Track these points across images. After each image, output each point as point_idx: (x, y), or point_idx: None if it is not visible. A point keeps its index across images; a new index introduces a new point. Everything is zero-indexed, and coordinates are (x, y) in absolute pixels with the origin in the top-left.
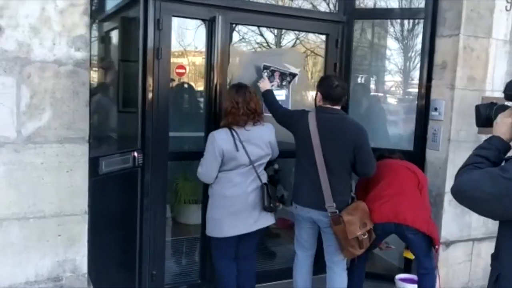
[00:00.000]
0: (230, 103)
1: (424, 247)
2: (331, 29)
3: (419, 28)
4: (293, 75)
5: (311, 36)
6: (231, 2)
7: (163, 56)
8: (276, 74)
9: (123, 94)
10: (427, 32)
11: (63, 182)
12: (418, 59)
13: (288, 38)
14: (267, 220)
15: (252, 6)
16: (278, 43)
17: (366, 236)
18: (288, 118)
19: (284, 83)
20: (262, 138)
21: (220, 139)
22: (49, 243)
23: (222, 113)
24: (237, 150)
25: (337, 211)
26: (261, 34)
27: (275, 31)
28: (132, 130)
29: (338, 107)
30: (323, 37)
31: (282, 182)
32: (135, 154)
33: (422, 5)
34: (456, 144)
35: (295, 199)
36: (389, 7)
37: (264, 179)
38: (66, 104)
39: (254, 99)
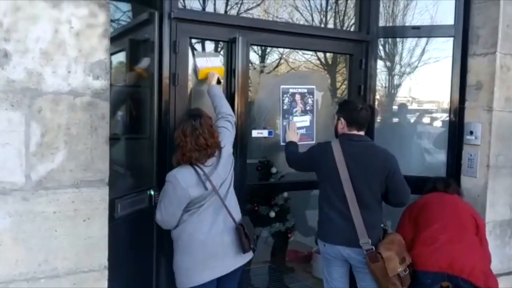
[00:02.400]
0: (178, 135)
1: None
2: (355, 49)
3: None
4: (311, 92)
5: (294, 55)
6: (253, 22)
7: (180, 82)
8: (297, 98)
9: (132, 122)
10: (457, 51)
11: (79, 233)
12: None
13: (272, 58)
14: (246, 255)
15: (275, 26)
16: (264, 65)
17: (407, 272)
18: (306, 159)
19: (308, 107)
20: (224, 165)
21: (185, 181)
22: None
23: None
24: (206, 189)
25: (373, 247)
26: None
27: (259, 51)
28: (145, 163)
29: (363, 133)
30: (308, 56)
31: (292, 211)
32: (151, 192)
33: (451, 21)
34: (495, 170)
35: (321, 236)
36: (415, 24)
37: (236, 213)
38: (82, 142)
39: (205, 133)
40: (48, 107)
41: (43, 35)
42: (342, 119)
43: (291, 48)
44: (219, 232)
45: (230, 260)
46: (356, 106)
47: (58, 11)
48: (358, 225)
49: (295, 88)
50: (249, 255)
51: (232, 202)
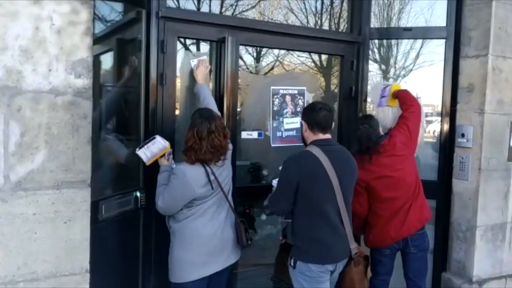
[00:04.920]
0: (192, 137)
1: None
2: (346, 50)
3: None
4: (301, 94)
5: (289, 57)
6: (242, 22)
7: (168, 82)
8: (288, 99)
9: (118, 122)
10: (449, 53)
11: (60, 236)
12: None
13: (267, 60)
14: (238, 253)
15: (264, 26)
16: (257, 65)
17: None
18: (292, 183)
19: (298, 108)
20: (228, 165)
21: (193, 180)
22: None
23: (184, 143)
24: (213, 188)
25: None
26: (240, 57)
27: (254, 53)
28: (131, 164)
29: (330, 136)
30: (303, 58)
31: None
32: (138, 194)
33: (443, 23)
34: (487, 174)
35: (320, 260)
36: (406, 26)
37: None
38: (64, 142)
39: (220, 135)
40: (28, 106)
41: (23, 32)
42: (304, 123)
43: (281, 48)
44: (222, 226)
45: (226, 256)
46: (315, 106)
47: (39, 8)
48: (349, 232)
49: (286, 89)
50: (238, 253)
51: (230, 198)
